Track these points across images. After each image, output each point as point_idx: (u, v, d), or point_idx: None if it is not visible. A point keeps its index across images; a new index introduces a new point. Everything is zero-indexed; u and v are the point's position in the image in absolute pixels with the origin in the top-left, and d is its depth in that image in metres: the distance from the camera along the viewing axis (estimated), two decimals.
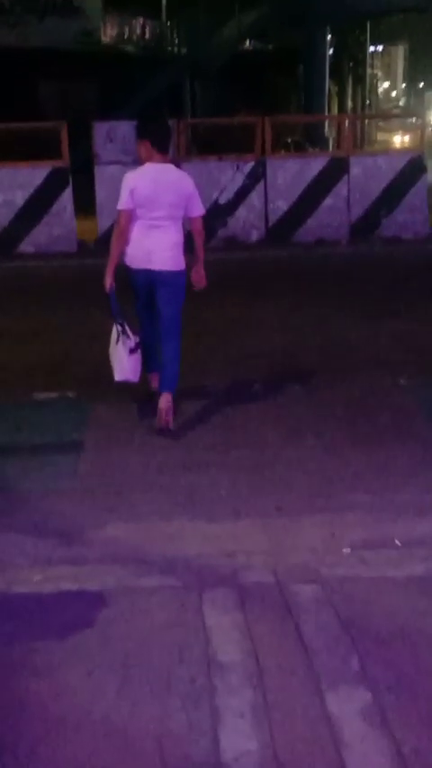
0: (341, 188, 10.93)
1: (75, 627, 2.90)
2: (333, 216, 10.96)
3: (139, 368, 4.87)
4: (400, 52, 65.31)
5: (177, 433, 4.69)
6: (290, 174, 10.89)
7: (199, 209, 4.80)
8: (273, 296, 8.10)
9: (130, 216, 4.67)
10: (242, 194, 10.87)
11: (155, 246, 4.67)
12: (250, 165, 10.84)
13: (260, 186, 10.86)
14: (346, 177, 10.91)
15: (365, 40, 40.44)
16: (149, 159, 4.71)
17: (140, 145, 4.74)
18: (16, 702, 2.53)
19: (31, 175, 10.59)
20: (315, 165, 11.02)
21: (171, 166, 4.80)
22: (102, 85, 25.14)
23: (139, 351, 4.82)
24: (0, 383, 5.72)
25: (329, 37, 32.59)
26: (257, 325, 7.03)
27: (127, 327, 4.81)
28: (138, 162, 4.86)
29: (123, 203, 4.66)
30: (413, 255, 10.20)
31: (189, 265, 4.83)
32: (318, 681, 2.60)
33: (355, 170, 10.92)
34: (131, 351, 4.78)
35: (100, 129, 10.64)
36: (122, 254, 4.75)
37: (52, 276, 9.55)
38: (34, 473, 4.24)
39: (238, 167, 10.82)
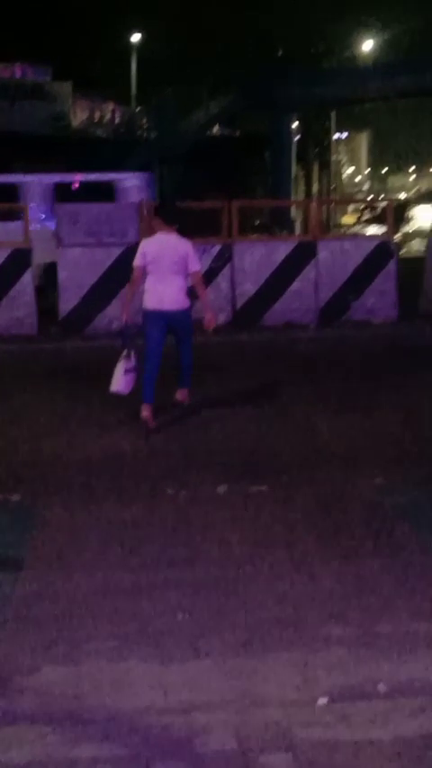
0: (309, 272, 10.73)
1: None
2: (301, 300, 10.72)
3: (131, 385, 6.14)
4: (363, 139, 67.70)
5: (131, 546, 4.19)
6: (257, 258, 10.69)
7: (195, 266, 6.24)
8: (238, 382, 7.72)
9: (141, 271, 6.17)
10: (209, 278, 10.60)
11: (164, 292, 6.11)
12: (217, 248, 10.62)
13: (227, 270, 10.63)
14: (314, 261, 10.73)
15: (331, 126, 41.70)
16: (160, 230, 6.22)
17: (154, 220, 6.40)
18: None
19: None
20: (283, 248, 10.84)
21: (174, 235, 6.21)
22: (71, 168, 25.26)
23: (134, 373, 6.13)
24: None
25: (296, 123, 33.43)
26: (220, 417, 6.59)
27: (132, 353, 6.11)
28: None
29: (137, 261, 6.20)
30: (383, 339, 9.93)
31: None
32: None
33: (323, 254, 10.75)
34: (127, 370, 6.12)
35: (63, 212, 10.39)
36: (133, 300, 6.28)
37: (9, 361, 9.08)
38: None
39: (204, 251, 10.57)
